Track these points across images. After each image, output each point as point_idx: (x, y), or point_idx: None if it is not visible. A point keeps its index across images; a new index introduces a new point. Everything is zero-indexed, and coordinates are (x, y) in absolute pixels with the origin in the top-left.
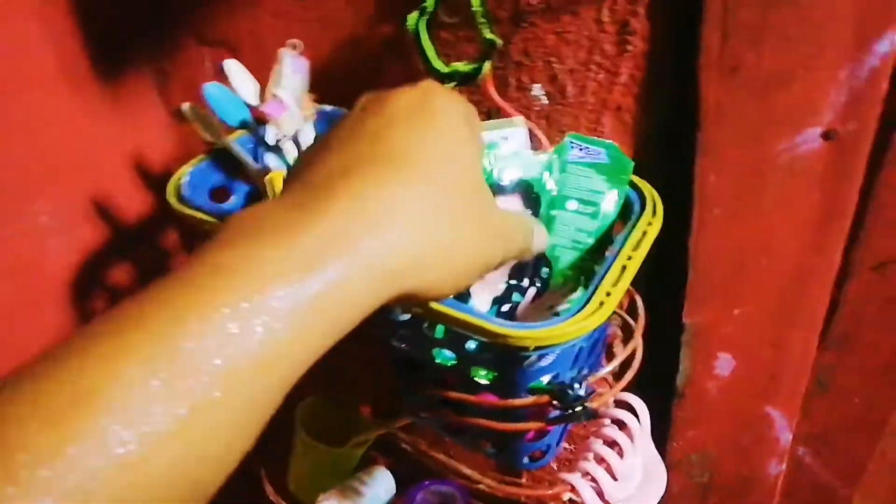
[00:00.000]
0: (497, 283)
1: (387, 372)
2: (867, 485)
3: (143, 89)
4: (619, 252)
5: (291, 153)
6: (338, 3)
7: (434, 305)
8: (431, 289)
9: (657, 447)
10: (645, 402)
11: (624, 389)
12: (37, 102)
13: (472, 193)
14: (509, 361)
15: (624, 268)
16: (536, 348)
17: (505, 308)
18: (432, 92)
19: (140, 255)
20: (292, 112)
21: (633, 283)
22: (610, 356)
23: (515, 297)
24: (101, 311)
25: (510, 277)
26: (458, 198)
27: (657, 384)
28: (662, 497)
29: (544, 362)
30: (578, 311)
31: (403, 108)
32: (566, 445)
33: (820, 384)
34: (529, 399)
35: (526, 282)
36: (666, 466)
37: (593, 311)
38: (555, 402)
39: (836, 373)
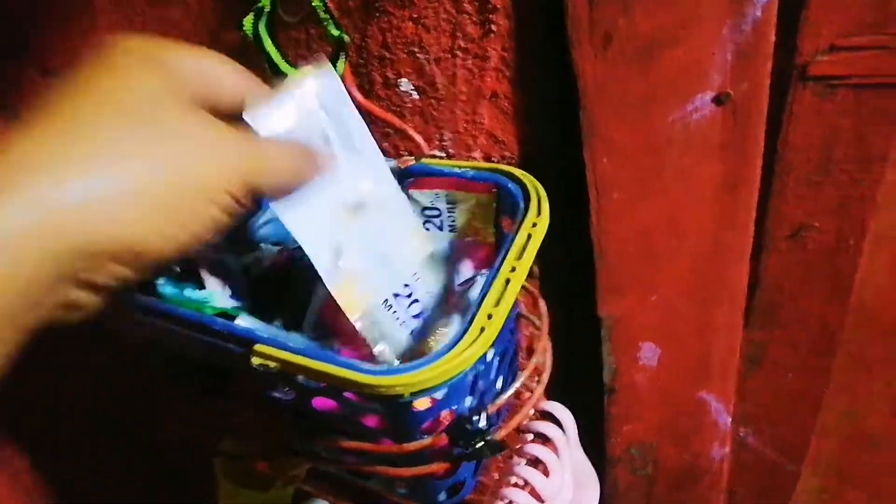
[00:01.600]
0: None
1: (278, 421)
2: (814, 458)
3: None
4: (500, 265)
5: None
6: (175, 14)
7: (287, 356)
8: (119, 233)
9: (593, 445)
10: (575, 401)
11: (542, 399)
12: None
13: (130, 107)
14: (393, 407)
15: (507, 282)
16: (413, 394)
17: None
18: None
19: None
20: None
21: (542, 278)
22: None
23: None
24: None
25: None
26: (104, 114)
27: (584, 381)
28: (609, 494)
29: (437, 396)
30: (455, 342)
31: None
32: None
33: (751, 362)
34: (426, 441)
35: None
36: (607, 463)
37: (473, 341)
38: (455, 440)
39: (767, 349)
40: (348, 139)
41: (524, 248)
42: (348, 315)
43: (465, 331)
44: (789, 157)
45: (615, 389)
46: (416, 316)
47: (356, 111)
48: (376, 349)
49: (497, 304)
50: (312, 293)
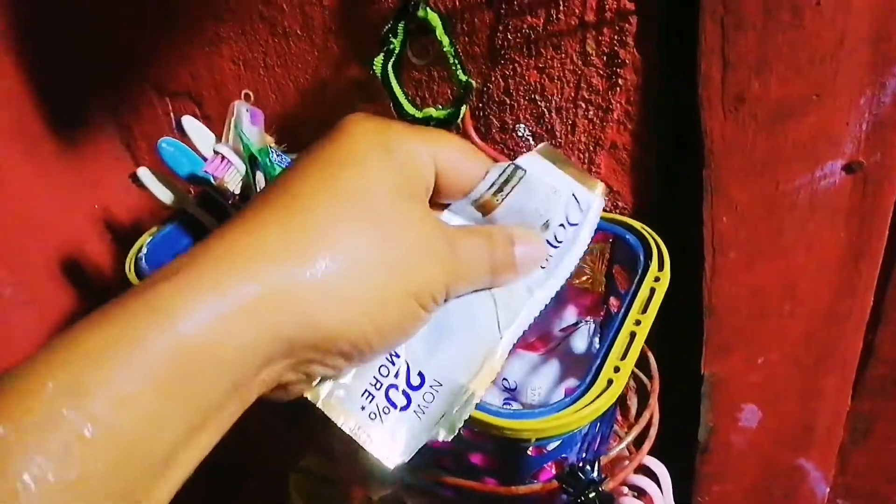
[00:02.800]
0: None
1: None
2: None
3: (105, 145)
4: (624, 316)
5: None
6: (301, 46)
7: None
8: (329, 329)
9: (681, 502)
10: (665, 455)
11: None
12: None
13: (378, 209)
14: (509, 449)
15: (633, 335)
16: (539, 440)
17: None
18: (343, 123)
19: None
20: (237, 168)
21: None
22: (624, 411)
23: None
24: None
25: None
26: (351, 216)
27: (678, 437)
28: None
29: (551, 447)
30: (584, 392)
31: (314, 148)
32: None
33: (857, 433)
34: (537, 486)
35: None
36: None
37: (600, 392)
38: (566, 488)
39: (875, 421)
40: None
41: (647, 302)
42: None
43: (591, 382)
44: None
45: (709, 448)
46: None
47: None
48: None
49: (623, 357)
50: None
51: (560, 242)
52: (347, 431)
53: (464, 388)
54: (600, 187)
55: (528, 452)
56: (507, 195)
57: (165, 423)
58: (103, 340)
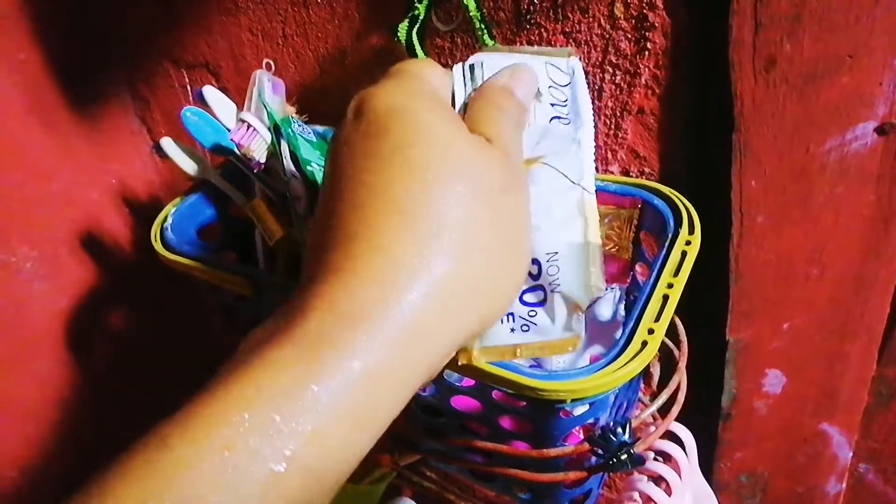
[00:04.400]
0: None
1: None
2: None
3: (123, 119)
4: (656, 279)
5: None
6: (320, 14)
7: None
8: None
9: (703, 468)
10: (688, 421)
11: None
12: (5, 145)
13: (499, 228)
14: (542, 411)
15: (665, 297)
16: (574, 400)
17: None
18: (425, 124)
19: (133, 293)
20: (263, 136)
21: None
22: (647, 378)
23: None
24: (96, 356)
25: None
26: (485, 239)
27: (700, 403)
28: None
29: (580, 409)
30: (618, 354)
31: (397, 143)
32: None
33: (882, 398)
34: (568, 448)
35: None
36: (714, 488)
37: (635, 354)
38: (596, 451)
39: None
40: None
41: (679, 266)
42: None
43: (626, 343)
44: None
45: (732, 415)
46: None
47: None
48: None
49: (657, 319)
50: None
51: (564, 101)
52: (523, 361)
53: (580, 244)
54: (570, 49)
55: (560, 415)
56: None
57: (355, 448)
58: (292, 379)
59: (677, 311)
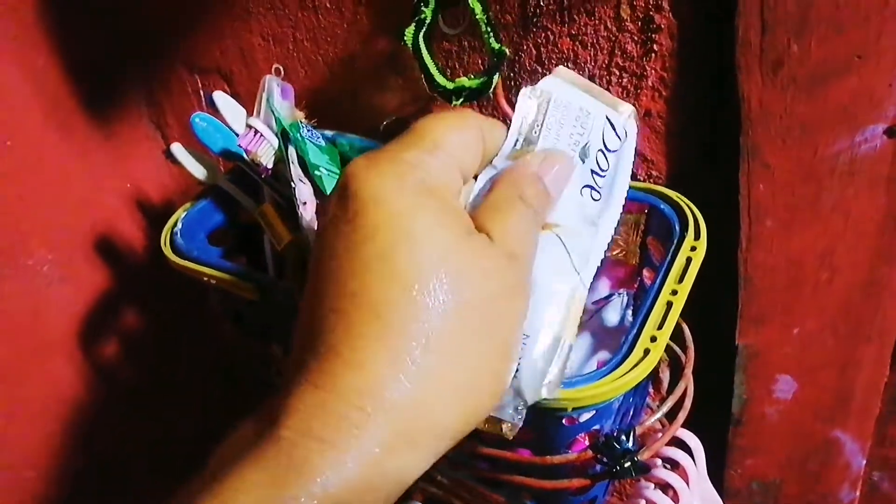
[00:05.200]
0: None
1: None
2: None
3: (136, 123)
4: (660, 287)
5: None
6: (329, 19)
7: None
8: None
9: (714, 475)
10: (697, 427)
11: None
12: (23, 149)
13: (452, 271)
14: (544, 419)
15: (669, 304)
16: (575, 409)
17: None
18: (349, 189)
19: (147, 297)
20: (270, 142)
21: None
22: (657, 384)
23: None
24: (111, 358)
25: None
26: (432, 302)
27: (709, 409)
28: None
29: (584, 417)
30: (620, 362)
31: (381, 249)
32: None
33: (894, 404)
34: (572, 455)
35: None
36: (725, 496)
37: (637, 362)
38: (600, 458)
39: None
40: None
41: (684, 272)
42: None
43: (628, 351)
44: None
45: (743, 421)
46: None
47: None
48: None
49: (660, 326)
50: None
51: (604, 171)
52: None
53: (552, 340)
54: (630, 109)
55: (564, 423)
56: (540, 134)
57: None
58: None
59: (685, 317)
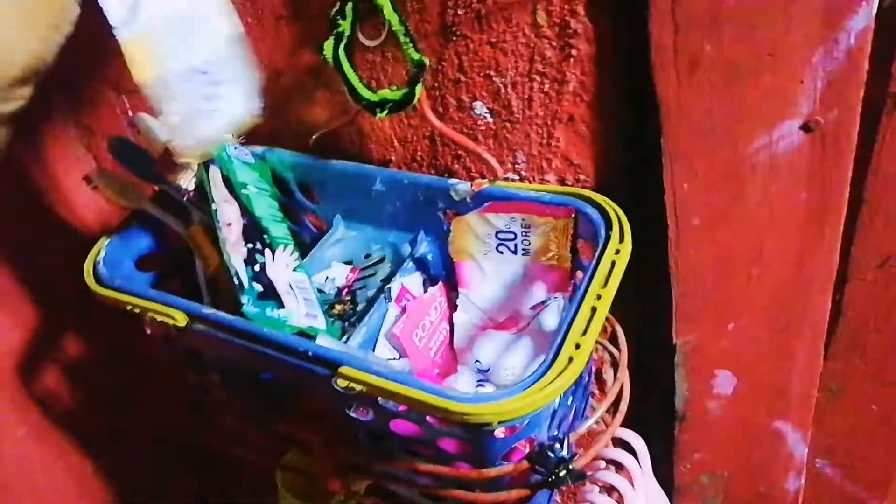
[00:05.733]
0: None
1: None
2: None
3: (66, 146)
4: (584, 293)
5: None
6: (253, 35)
7: (374, 380)
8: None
9: (663, 471)
10: (646, 426)
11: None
12: None
13: None
14: (475, 433)
15: (594, 310)
16: (501, 423)
17: (256, 268)
18: None
19: (89, 324)
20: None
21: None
22: (601, 384)
23: (259, 258)
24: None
25: (247, 242)
26: None
27: (656, 407)
28: None
29: (516, 428)
30: (544, 372)
31: None
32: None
33: (832, 393)
34: (507, 468)
35: (259, 245)
36: (676, 491)
37: (562, 370)
38: (537, 468)
39: (849, 380)
40: None
41: (608, 276)
42: (136, 74)
43: (552, 360)
44: (879, 186)
45: (687, 417)
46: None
47: None
48: (166, 119)
49: (584, 333)
50: (379, 313)
51: None
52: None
53: None
54: None
55: (495, 435)
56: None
57: None
58: None
59: (628, 318)
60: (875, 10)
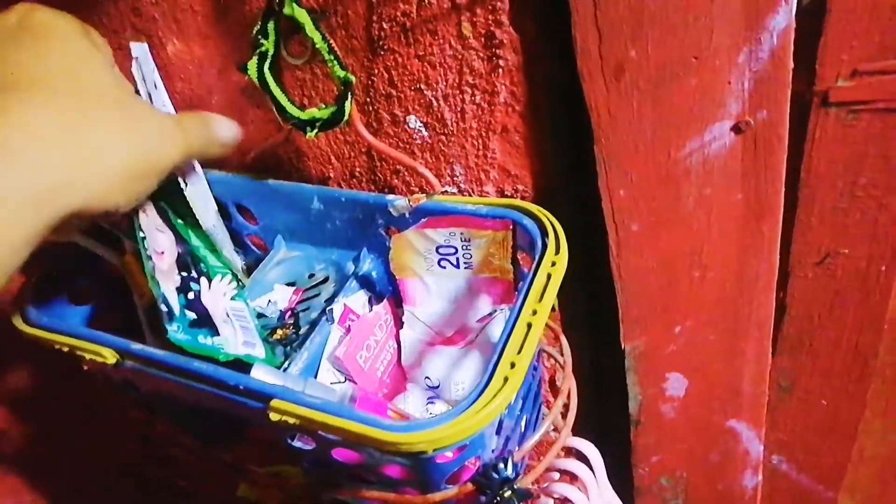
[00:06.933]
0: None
1: (298, 469)
2: (850, 484)
3: None
4: (520, 309)
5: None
6: (180, 56)
7: (305, 412)
8: (98, 199)
9: (622, 475)
10: (602, 431)
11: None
12: None
13: (108, 97)
14: (416, 460)
15: (529, 326)
16: (436, 450)
17: (191, 296)
18: (30, 11)
19: (36, 355)
20: None
21: (563, 309)
22: (555, 391)
23: (193, 286)
24: None
25: (181, 271)
26: (91, 105)
27: (612, 413)
28: None
29: (456, 452)
30: (479, 394)
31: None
32: None
33: (782, 390)
34: (451, 491)
35: (194, 273)
36: (636, 494)
37: (497, 391)
38: (482, 489)
39: (798, 376)
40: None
41: (544, 289)
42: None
43: (487, 381)
44: (813, 183)
45: (641, 420)
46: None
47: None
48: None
49: (519, 350)
50: (322, 335)
51: None
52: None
53: None
54: None
55: (436, 460)
56: None
57: None
58: None
59: (580, 326)
60: (794, 10)
